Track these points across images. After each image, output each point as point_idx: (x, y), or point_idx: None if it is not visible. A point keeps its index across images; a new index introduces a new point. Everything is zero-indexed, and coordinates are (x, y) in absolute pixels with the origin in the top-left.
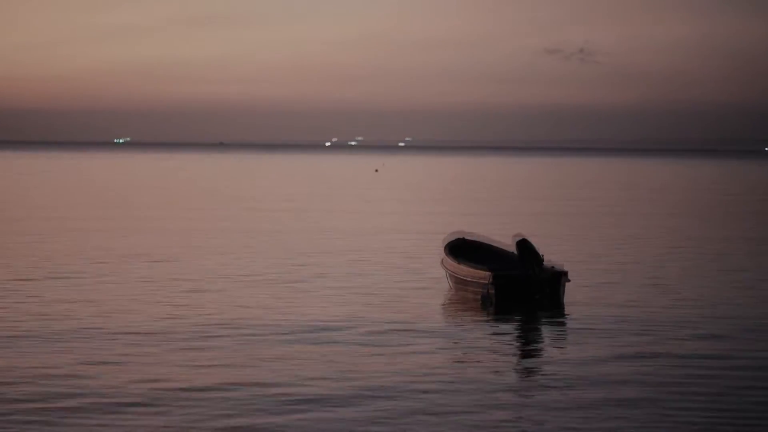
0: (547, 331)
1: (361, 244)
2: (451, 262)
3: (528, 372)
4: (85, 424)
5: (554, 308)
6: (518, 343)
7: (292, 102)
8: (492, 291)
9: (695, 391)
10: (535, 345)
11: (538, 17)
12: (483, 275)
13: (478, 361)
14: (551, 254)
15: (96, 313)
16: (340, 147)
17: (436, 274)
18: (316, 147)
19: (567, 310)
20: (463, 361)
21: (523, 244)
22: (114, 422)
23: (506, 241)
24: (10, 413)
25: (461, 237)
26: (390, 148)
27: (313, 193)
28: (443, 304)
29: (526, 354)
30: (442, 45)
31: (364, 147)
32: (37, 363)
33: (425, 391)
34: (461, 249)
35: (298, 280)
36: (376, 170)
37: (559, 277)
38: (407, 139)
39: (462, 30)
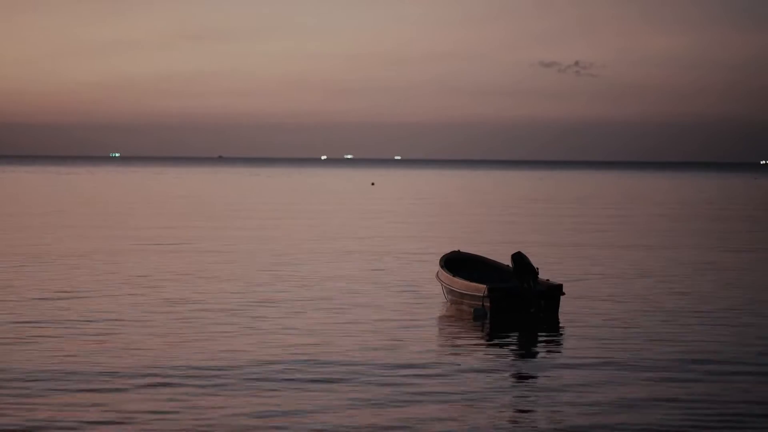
0: (541, 345)
1: (356, 258)
2: (446, 275)
3: (523, 386)
4: None
5: (549, 322)
6: (513, 358)
7: (285, 116)
8: (487, 304)
9: (696, 403)
10: (529, 359)
11: (532, 30)
12: (478, 288)
13: (473, 376)
14: (546, 268)
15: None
16: (335, 161)
17: (432, 288)
18: (312, 161)
19: (562, 323)
20: (457, 376)
21: (518, 258)
22: None
23: (502, 256)
24: None
25: (457, 250)
26: (385, 161)
27: (315, 209)
28: (438, 318)
29: (520, 368)
30: (435, 59)
31: (358, 161)
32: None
33: (419, 408)
34: (457, 262)
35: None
36: (372, 183)
37: (554, 291)
38: (396, 157)
39: (456, 44)
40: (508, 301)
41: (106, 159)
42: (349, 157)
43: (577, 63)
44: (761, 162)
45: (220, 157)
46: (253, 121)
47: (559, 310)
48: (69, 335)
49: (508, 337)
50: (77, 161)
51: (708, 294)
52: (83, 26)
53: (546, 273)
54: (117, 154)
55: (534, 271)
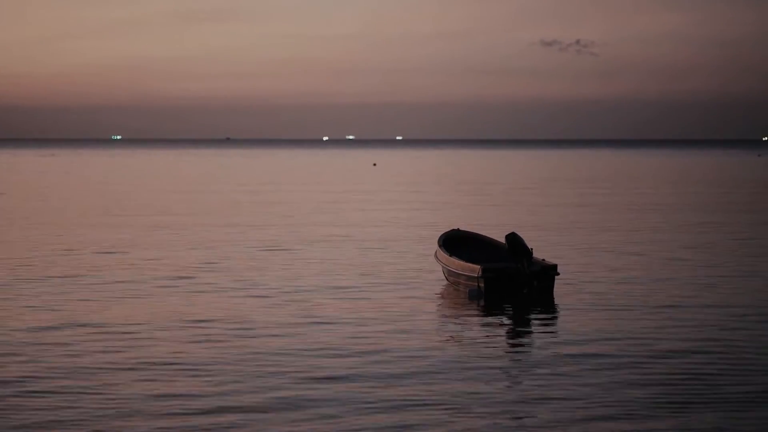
0: (535, 325)
1: (359, 236)
2: (443, 255)
3: (517, 367)
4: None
5: (544, 302)
6: (506, 338)
7: (287, 98)
8: (481, 284)
9: (689, 384)
10: (523, 340)
11: (534, 9)
12: (473, 269)
13: (465, 356)
14: (542, 247)
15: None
16: (336, 142)
17: (431, 267)
18: (314, 142)
19: (556, 303)
20: (449, 356)
21: (512, 238)
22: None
23: (499, 236)
24: None
25: (456, 229)
26: (387, 141)
27: (319, 189)
28: (435, 297)
29: (513, 348)
30: (437, 39)
31: (360, 142)
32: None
33: (410, 390)
34: (455, 242)
35: (297, 275)
36: (374, 164)
37: (548, 271)
38: (398, 137)
39: (457, 23)
40: (501, 282)
41: (107, 141)
42: (351, 137)
43: (578, 41)
44: (764, 138)
45: (228, 138)
46: (256, 103)
47: (553, 290)
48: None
49: (502, 317)
50: (78, 144)
51: (704, 271)
52: (85, 8)
53: (541, 253)
54: (119, 137)
55: (528, 252)
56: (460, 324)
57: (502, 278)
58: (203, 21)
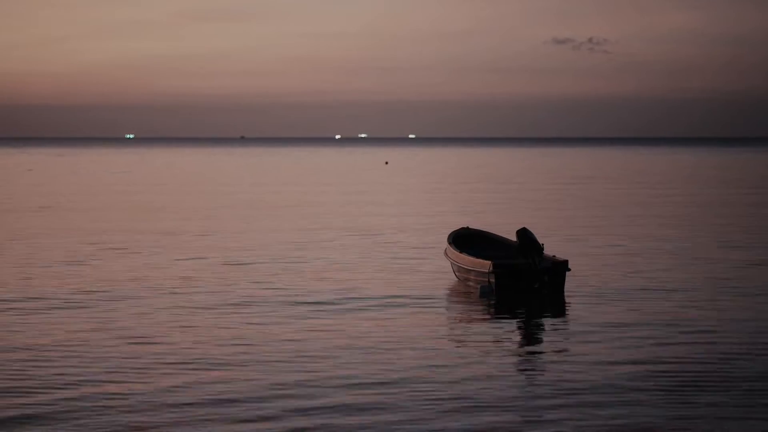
0: (546, 321)
1: (368, 234)
2: (453, 251)
3: (525, 363)
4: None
5: (555, 298)
6: (517, 334)
7: (299, 96)
8: (492, 280)
9: (699, 383)
10: (534, 335)
11: (546, 6)
12: (483, 264)
13: (475, 352)
14: (552, 244)
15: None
16: (349, 140)
17: (441, 264)
18: (327, 140)
19: (567, 299)
20: (461, 353)
21: (524, 234)
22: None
23: (509, 233)
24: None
25: (465, 227)
26: (399, 140)
27: (335, 188)
28: (445, 294)
29: (524, 344)
30: (450, 37)
31: (373, 140)
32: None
33: (424, 385)
34: (465, 239)
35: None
36: (386, 162)
37: (559, 267)
38: (410, 135)
39: (470, 21)
40: (512, 278)
41: (121, 140)
42: (363, 135)
43: (590, 39)
44: None
45: (242, 137)
46: (267, 101)
47: (564, 286)
48: None
49: (513, 313)
50: (92, 143)
51: (718, 271)
52: (98, 7)
53: (552, 249)
54: (132, 136)
55: (539, 248)
56: (470, 320)
57: (513, 274)
58: (214, 20)
